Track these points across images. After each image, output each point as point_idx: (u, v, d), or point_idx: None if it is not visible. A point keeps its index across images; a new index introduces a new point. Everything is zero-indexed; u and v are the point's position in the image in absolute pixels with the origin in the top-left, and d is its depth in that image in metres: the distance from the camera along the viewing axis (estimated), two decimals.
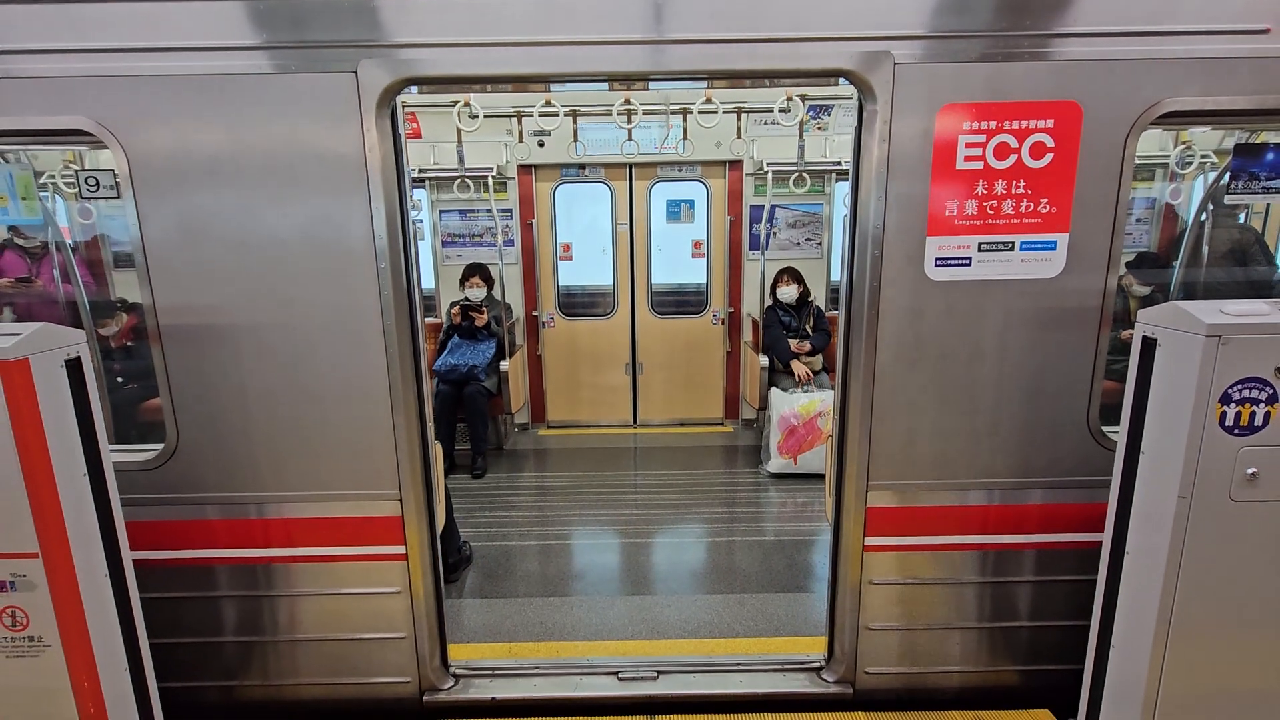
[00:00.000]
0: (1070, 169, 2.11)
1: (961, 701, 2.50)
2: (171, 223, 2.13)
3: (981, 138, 2.09)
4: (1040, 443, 2.29)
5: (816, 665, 2.59)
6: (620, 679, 2.56)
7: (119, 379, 4.21)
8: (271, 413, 2.26)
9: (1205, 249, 4.20)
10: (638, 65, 2.08)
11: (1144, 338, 1.92)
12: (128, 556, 2.04)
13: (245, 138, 2.09)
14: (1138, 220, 5.64)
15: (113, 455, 2.06)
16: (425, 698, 2.50)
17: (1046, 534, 2.36)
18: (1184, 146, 4.88)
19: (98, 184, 2.29)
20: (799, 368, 4.89)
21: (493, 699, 2.50)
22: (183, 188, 2.11)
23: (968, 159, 2.10)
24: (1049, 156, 2.10)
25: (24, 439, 1.72)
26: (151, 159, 2.09)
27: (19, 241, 4.44)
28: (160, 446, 2.29)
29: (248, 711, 2.50)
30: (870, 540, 2.36)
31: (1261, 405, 1.76)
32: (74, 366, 1.87)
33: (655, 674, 2.57)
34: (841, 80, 2.14)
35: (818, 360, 5.06)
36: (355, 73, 2.05)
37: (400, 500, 2.32)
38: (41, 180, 4.58)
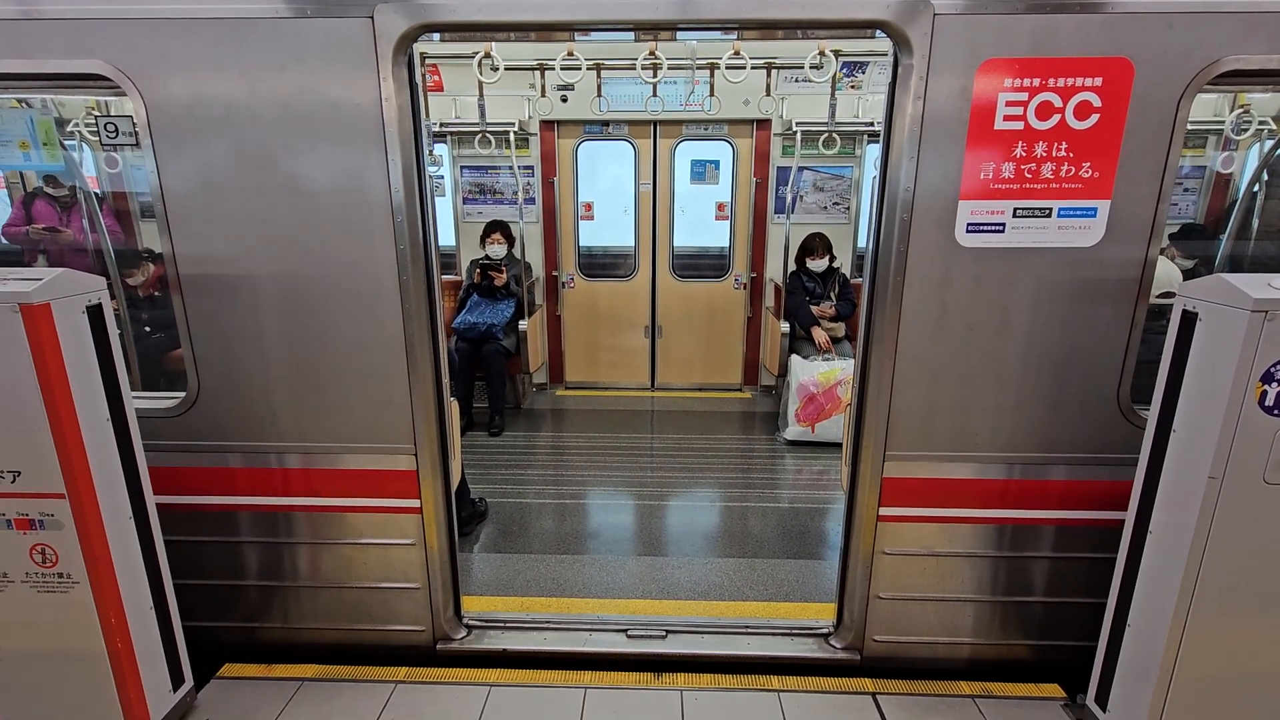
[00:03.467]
0: (1117, 131, 1.99)
1: (970, 673, 2.50)
2: (189, 171, 2.12)
3: (1024, 96, 1.98)
4: (1066, 418, 2.22)
5: (825, 631, 2.60)
6: (629, 636, 2.60)
7: (146, 328, 4.29)
8: (289, 363, 2.27)
9: (1256, 221, 4.00)
10: (664, 13, 1.99)
11: (1184, 311, 1.84)
12: (151, 499, 2.10)
13: (261, 85, 2.05)
14: (1184, 190, 5.39)
15: (136, 402, 2.10)
16: (439, 646, 2.56)
17: (1066, 510, 2.32)
18: (1241, 110, 4.60)
19: (117, 130, 2.28)
20: (820, 334, 4.82)
21: (504, 650, 2.56)
22: (199, 135, 2.09)
23: (1007, 118, 2.00)
24: (1095, 117, 1.98)
25: (47, 382, 1.76)
26: (168, 105, 2.07)
27: (49, 190, 4.49)
28: (183, 394, 2.33)
29: (268, 651, 2.59)
30: (885, 510, 2.34)
31: None
32: (95, 313, 1.89)
33: (664, 633, 2.61)
34: (878, 33, 2.03)
35: (840, 328, 4.97)
36: (371, 18, 1.99)
37: (415, 455, 2.34)
38: (70, 128, 4.60)
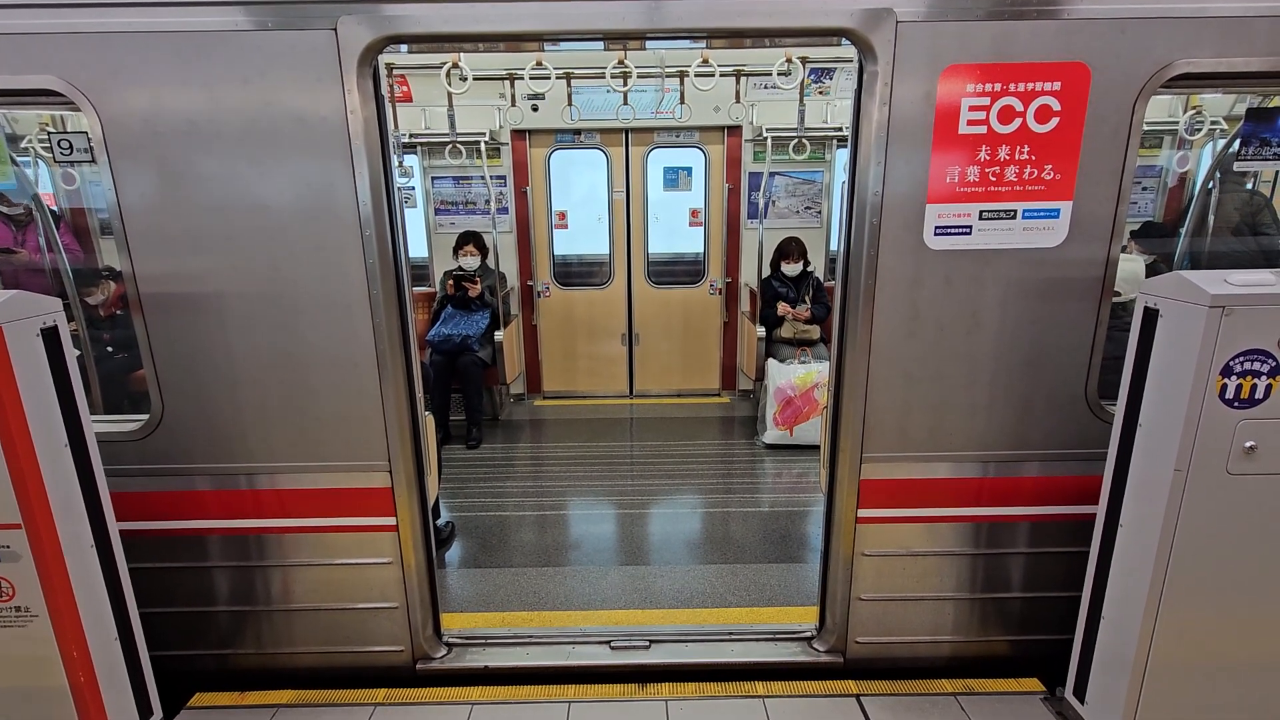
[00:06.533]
0: (1076, 134, 2.04)
1: (951, 670, 2.52)
2: (148, 187, 2.07)
3: (985, 100, 2.02)
4: (1037, 415, 2.26)
5: (808, 635, 2.60)
6: (613, 648, 2.57)
7: (108, 348, 4.17)
8: (257, 382, 2.22)
9: (1212, 218, 4.13)
10: (632, 23, 2.00)
11: (1145, 308, 1.88)
12: (114, 527, 2.03)
13: (223, 99, 2.01)
14: (1144, 189, 5.55)
15: (97, 426, 2.03)
16: (418, 666, 2.52)
17: (1040, 506, 2.35)
18: (1194, 111, 4.76)
19: (71, 147, 2.21)
20: (786, 308, 4.87)
21: (485, 667, 2.52)
22: (159, 151, 2.04)
23: (970, 123, 2.03)
24: (1054, 121, 2.03)
25: (1, 408, 1.69)
26: (125, 121, 2.02)
27: (2, 209, 4.35)
28: (146, 417, 2.26)
29: (241, 678, 2.51)
30: (864, 512, 2.35)
31: (1263, 378, 1.73)
32: (51, 335, 1.83)
33: (647, 643, 2.59)
34: (844, 41, 2.06)
35: (815, 331, 5.02)
36: (335, 30, 1.96)
37: (390, 472, 2.30)
38: (24, 144, 4.47)
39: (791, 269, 4.98)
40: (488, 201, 5.49)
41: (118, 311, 4.26)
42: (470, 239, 5.00)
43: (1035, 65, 1.99)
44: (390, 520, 2.35)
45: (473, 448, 4.85)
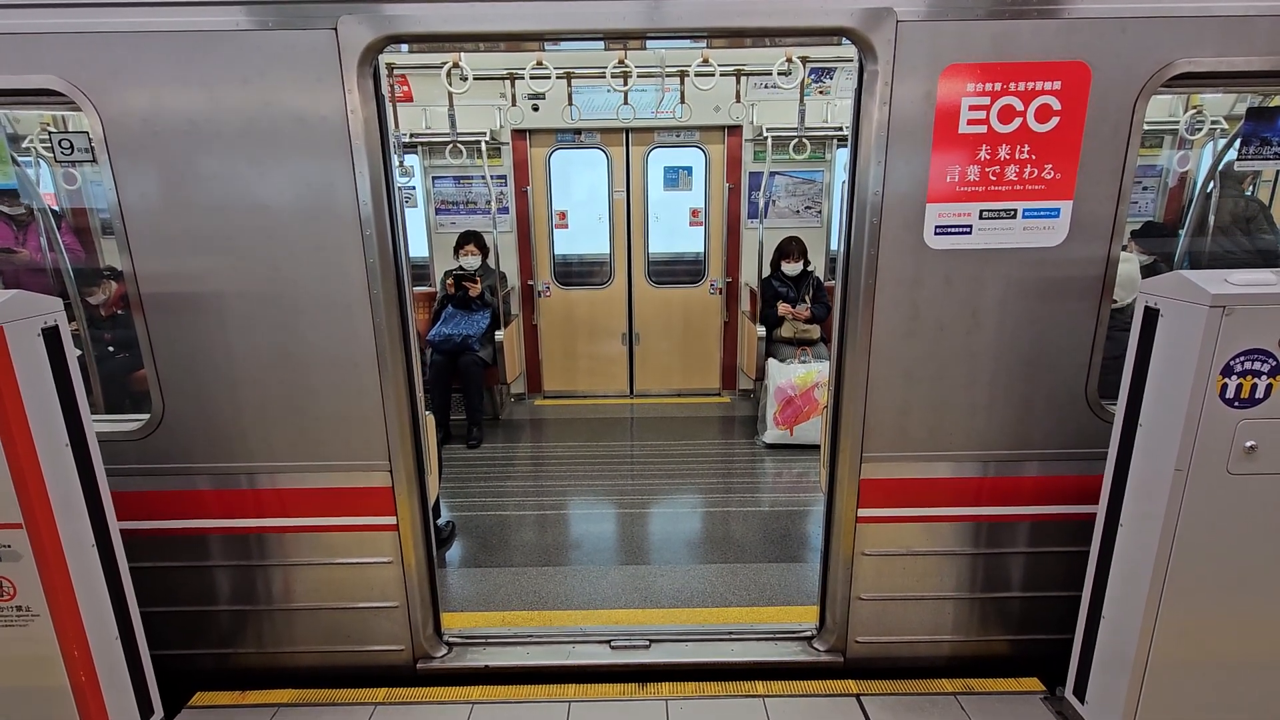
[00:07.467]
0: (1076, 133, 2.04)
1: (951, 670, 2.52)
2: (149, 187, 2.07)
3: (986, 100, 2.01)
4: (1037, 415, 2.26)
5: (808, 634, 2.60)
6: (613, 647, 2.58)
7: (110, 348, 4.17)
8: (258, 382, 2.22)
9: (1211, 218, 4.13)
10: (632, 22, 2.00)
11: (1146, 308, 1.88)
12: (115, 526, 2.03)
13: (223, 99, 2.01)
14: (1144, 189, 5.54)
15: (98, 425, 2.04)
16: (419, 665, 2.52)
17: (1040, 506, 2.35)
18: (1194, 111, 4.75)
19: (72, 147, 2.21)
20: (786, 307, 4.87)
21: (485, 666, 2.52)
22: (159, 150, 2.04)
23: (971, 122, 2.03)
24: (1055, 120, 2.03)
25: (2, 408, 1.69)
26: (125, 120, 2.02)
27: (4, 209, 4.35)
28: (146, 416, 2.27)
29: (242, 677, 2.52)
30: (864, 512, 2.35)
31: (1264, 377, 1.73)
32: (52, 335, 1.83)
33: (648, 643, 2.59)
34: (844, 40, 2.06)
35: (815, 330, 5.02)
36: (335, 29, 1.96)
37: (390, 471, 2.30)
38: (25, 144, 4.47)
39: (792, 268, 4.98)
40: (488, 201, 5.49)
41: (118, 311, 4.27)
42: (471, 238, 5.00)
43: (1036, 64, 1.99)
44: (391, 520, 2.35)
45: (473, 447, 4.86)
